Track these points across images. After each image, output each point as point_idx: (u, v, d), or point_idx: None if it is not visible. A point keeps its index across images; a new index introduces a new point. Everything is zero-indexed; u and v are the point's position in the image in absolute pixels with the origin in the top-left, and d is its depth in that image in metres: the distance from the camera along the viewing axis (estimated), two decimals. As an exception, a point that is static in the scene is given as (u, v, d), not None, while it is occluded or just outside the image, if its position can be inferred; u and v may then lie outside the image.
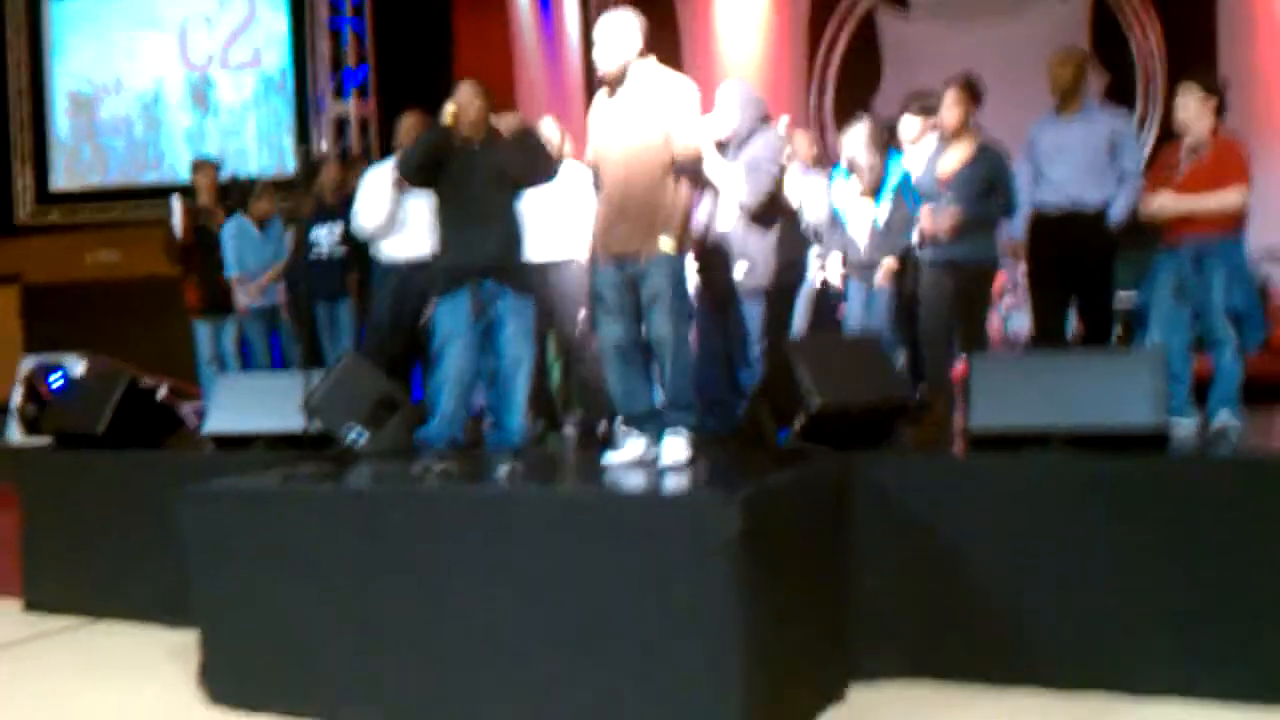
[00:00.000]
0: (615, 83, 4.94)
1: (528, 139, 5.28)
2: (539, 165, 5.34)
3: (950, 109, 5.97)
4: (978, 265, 5.99)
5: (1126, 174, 5.90)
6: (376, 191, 6.63)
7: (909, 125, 6.51)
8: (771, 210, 5.97)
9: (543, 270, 6.30)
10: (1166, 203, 5.22)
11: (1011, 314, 11.28)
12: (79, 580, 6.21)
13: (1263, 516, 4.22)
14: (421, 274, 6.33)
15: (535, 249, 6.31)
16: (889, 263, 6.31)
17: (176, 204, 8.18)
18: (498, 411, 5.06)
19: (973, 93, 6.00)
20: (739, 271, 5.90)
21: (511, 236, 5.24)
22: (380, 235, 6.71)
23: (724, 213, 5.92)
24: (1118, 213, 5.89)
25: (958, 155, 5.95)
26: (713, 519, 3.94)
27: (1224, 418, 5.09)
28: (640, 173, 4.87)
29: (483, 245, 5.06)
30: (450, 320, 5.10)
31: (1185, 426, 5.10)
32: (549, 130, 6.35)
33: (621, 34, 4.92)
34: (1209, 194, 5.17)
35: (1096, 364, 4.88)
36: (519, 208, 5.47)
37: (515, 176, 5.29)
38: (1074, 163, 5.91)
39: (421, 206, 6.26)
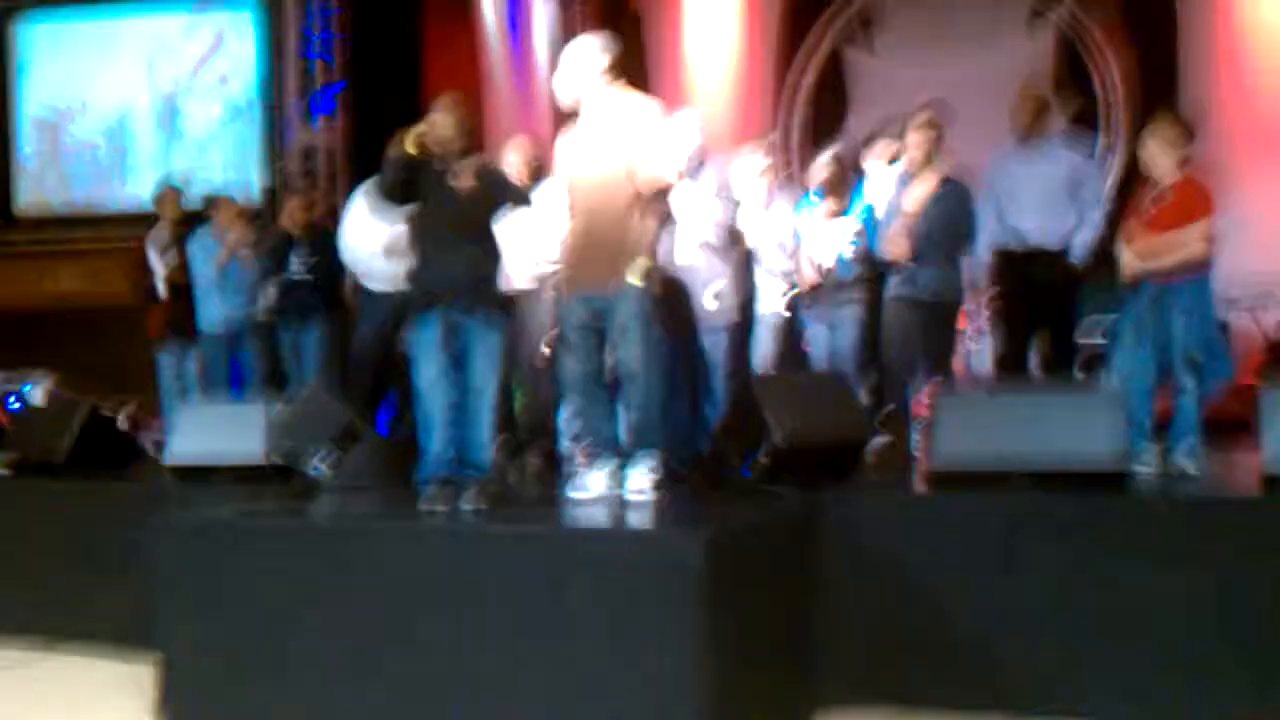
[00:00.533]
0: (573, 114, 4.95)
1: (487, 176, 5.20)
2: (504, 199, 5.27)
3: (918, 145, 6.01)
4: (942, 300, 6.02)
5: (1088, 210, 5.95)
6: (366, 219, 6.64)
7: (879, 155, 6.58)
8: (734, 240, 6.04)
9: (509, 298, 6.31)
10: (1135, 265, 5.25)
11: (974, 350, 11.36)
12: (33, 610, 6.13)
13: (1220, 554, 4.26)
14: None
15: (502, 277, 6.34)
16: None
17: (154, 255, 8.12)
18: (461, 444, 5.00)
19: (939, 123, 6.03)
20: (709, 303, 5.94)
21: (482, 260, 5.10)
22: (374, 263, 6.73)
23: (682, 245, 5.94)
24: (1080, 249, 5.94)
25: (922, 189, 5.99)
26: (676, 556, 3.94)
27: (1183, 460, 5.13)
28: (606, 205, 4.87)
29: (451, 268, 4.96)
30: (420, 349, 5.04)
31: (1145, 465, 5.15)
32: (521, 152, 6.35)
33: (578, 63, 4.93)
34: (1169, 248, 5.18)
35: (1058, 402, 4.92)
36: (496, 231, 5.41)
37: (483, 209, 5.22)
38: (1036, 198, 5.96)
39: None
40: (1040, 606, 4.45)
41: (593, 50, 4.92)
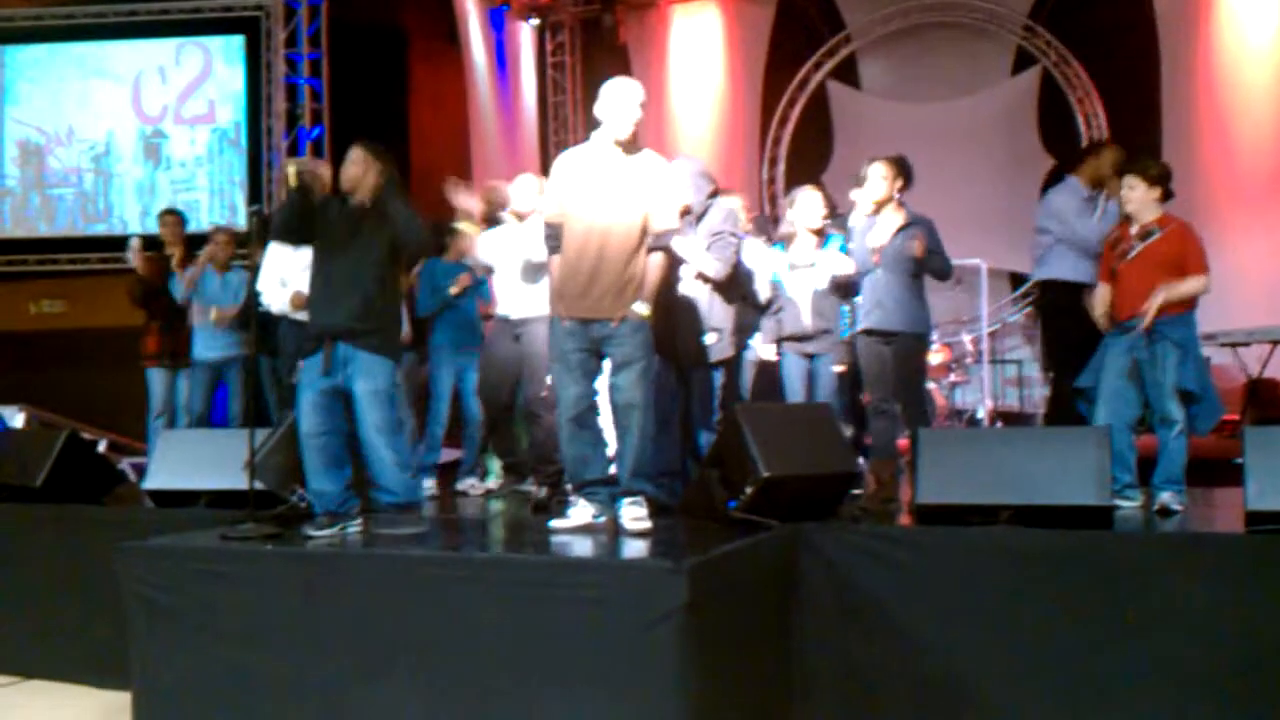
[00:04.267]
0: (626, 148, 5.01)
1: (394, 213, 5.14)
2: (408, 236, 5.14)
3: (879, 182, 6.02)
4: (910, 331, 6.02)
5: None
6: (276, 274, 6.67)
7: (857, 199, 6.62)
8: (733, 279, 6.06)
9: (513, 326, 6.36)
10: (1156, 302, 5.27)
11: (957, 389, 11.41)
12: (9, 637, 6.06)
13: (1204, 593, 4.26)
14: None
15: (506, 305, 6.37)
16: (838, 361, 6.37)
17: (135, 243, 8.15)
18: (372, 473, 5.01)
19: (902, 169, 6.05)
20: (710, 340, 5.97)
21: (373, 299, 5.03)
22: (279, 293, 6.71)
23: (684, 283, 5.97)
24: None
25: (889, 226, 5.99)
26: (660, 588, 3.93)
27: (1167, 497, 5.14)
28: (618, 244, 4.96)
29: (341, 306, 4.98)
30: (304, 380, 5.06)
31: (1129, 505, 5.16)
32: (527, 187, 6.40)
33: (637, 103, 4.98)
34: (1180, 282, 5.26)
35: (1042, 441, 4.93)
36: (395, 273, 5.25)
37: (401, 242, 5.17)
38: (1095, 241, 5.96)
39: None
40: (1025, 642, 4.44)
41: (636, 99, 4.98)
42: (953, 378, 11.16)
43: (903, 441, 6.24)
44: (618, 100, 4.99)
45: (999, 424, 10.69)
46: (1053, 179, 12.21)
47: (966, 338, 11.56)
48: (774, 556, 4.66)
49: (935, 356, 10.54)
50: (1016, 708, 4.45)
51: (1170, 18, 11.87)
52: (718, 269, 5.95)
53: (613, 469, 5.08)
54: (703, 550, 4.24)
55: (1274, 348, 8.94)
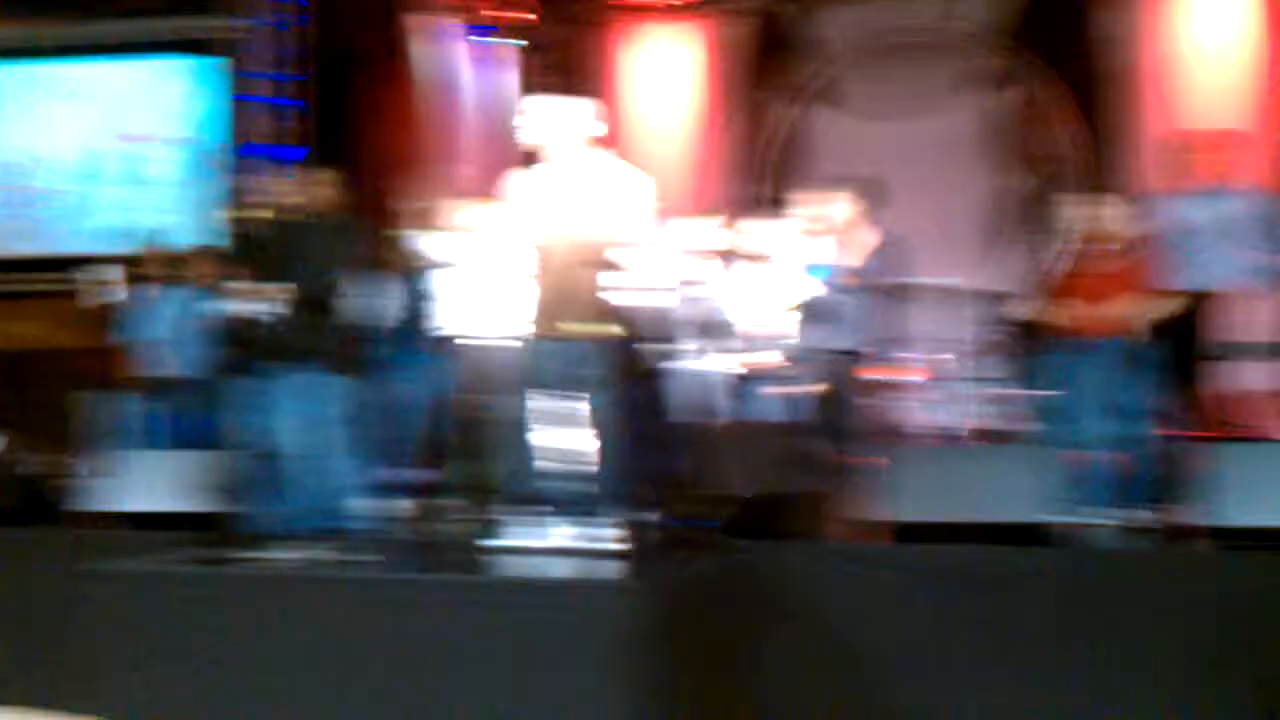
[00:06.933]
0: (558, 167, 4.99)
1: (329, 233, 5.17)
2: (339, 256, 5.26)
3: (837, 214, 6.06)
4: (854, 352, 6.02)
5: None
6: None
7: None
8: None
9: (459, 344, 6.36)
10: (1081, 313, 5.30)
11: (936, 407, 11.39)
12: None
13: (1173, 606, 4.27)
14: None
15: (455, 324, 6.39)
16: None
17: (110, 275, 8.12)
18: (303, 497, 5.01)
19: (862, 195, 6.07)
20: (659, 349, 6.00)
21: (315, 317, 5.13)
22: None
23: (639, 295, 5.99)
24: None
25: (862, 251, 6.03)
26: (628, 608, 3.92)
27: (1135, 514, 5.14)
28: (581, 261, 4.96)
29: (288, 326, 5.02)
30: (271, 402, 5.08)
31: (1099, 522, 5.15)
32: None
33: (561, 118, 4.99)
34: (1126, 300, 5.29)
35: (1007, 459, 4.96)
36: (346, 287, 5.32)
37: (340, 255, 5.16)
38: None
39: None
40: (997, 660, 4.45)
41: (586, 114, 5.01)
42: (931, 395, 11.14)
43: (877, 459, 6.24)
44: (539, 116, 5.02)
45: (981, 443, 10.67)
46: (1036, 196, 12.30)
47: (946, 356, 11.52)
48: (743, 576, 4.66)
49: (913, 375, 10.52)
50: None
51: (1150, 33, 11.92)
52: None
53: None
54: (673, 570, 4.24)
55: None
